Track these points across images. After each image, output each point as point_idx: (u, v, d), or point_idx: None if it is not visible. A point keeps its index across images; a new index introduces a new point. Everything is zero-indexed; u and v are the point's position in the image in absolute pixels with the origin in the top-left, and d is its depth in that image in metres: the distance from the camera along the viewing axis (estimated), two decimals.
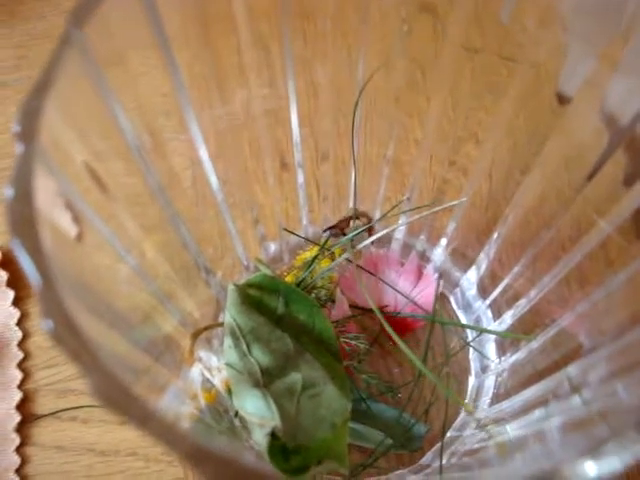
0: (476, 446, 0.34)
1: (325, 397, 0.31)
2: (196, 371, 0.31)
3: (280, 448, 0.28)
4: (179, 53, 0.28)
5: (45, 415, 0.44)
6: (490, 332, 0.39)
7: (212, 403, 0.33)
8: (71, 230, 0.23)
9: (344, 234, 0.43)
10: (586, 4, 0.29)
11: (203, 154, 0.34)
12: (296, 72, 0.36)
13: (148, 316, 0.29)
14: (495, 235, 0.40)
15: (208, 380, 0.32)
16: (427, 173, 0.43)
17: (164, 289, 0.31)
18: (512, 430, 0.31)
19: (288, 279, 0.43)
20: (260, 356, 0.32)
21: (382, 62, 0.38)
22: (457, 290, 0.45)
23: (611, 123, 0.30)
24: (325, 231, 0.43)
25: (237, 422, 0.34)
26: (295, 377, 0.32)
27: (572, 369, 0.29)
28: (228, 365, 0.32)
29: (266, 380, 0.31)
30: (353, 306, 0.42)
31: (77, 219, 0.23)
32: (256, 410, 0.29)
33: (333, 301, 0.41)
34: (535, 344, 0.35)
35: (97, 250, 0.26)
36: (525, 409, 0.32)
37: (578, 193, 0.32)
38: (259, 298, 0.36)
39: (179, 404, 0.29)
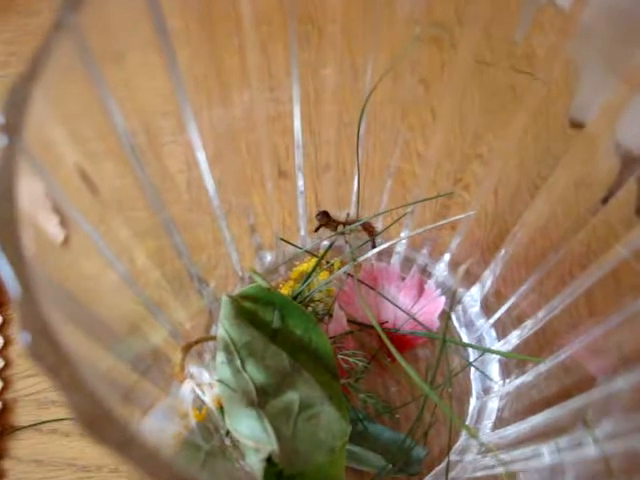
0: (479, 474, 0.33)
1: (324, 419, 0.30)
2: (187, 388, 0.29)
3: (276, 474, 0.26)
4: (180, 52, 0.27)
5: (25, 427, 0.42)
6: (495, 352, 0.38)
7: (202, 421, 0.31)
8: (57, 235, 0.22)
9: (335, 228, 0.41)
10: (604, 20, 0.28)
11: (200, 157, 0.33)
12: (301, 77, 0.35)
13: (136, 327, 0.27)
14: (502, 252, 0.38)
15: (199, 397, 0.30)
16: (431, 188, 0.42)
17: (154, 298, 0.29)
18: (519, 460, 0.30)
19: (284, 291, 0.41)
20: (255, 373, 0.31)
21: (388, 71, 0.36)
22: (459, 307, 0.43)
23: (623, 153, 0.29)
24: (318, 215, 0.41)
25: (228, 441, 0.32)
26: (292, 396, 0.30)
27: (585, 406, 0.27)
28: (220, 382, 0.30)
29: (261, 399, 0.29)
30: (351, 321, 0.40)
31: (64, 223, 0.22)
32: (251, 432, 0.27)
33: (331, 315, 0.39)
34: (543, 367, 0.33)
35: (84, 256, 0.24)
36: (533, 438, 0.30)
37: (591, 217, 0.31)
38: (254, 311, 0.34)
39: (167, 423, 0.27)
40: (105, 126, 0.24)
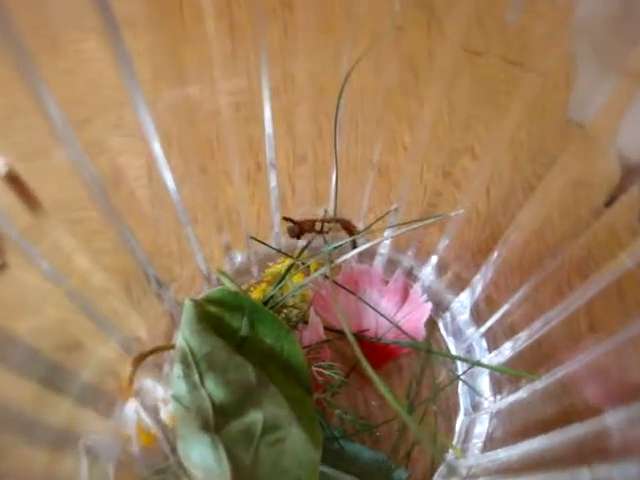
0: None
1: (290, 444, 0.26)
2: (131, 407, 0.25)
3: None
4: (138, 40, 0.25)
5: None
6: (486, 366, 0.34)
7: (151, 445, 0.27)
8: None
9: (299, 236, 0.37)
10: (603, 12, 0.25)
11: (157, 149, 0.29)
12: (271, 64, 0.32)
13: (78, 343, 0.24)
14: (494, 255, 0.35)
15: (143, 418, 0.26)
16: (417, 183, 0.39)
17: (100, 307, 0.26)
18: None
19: (255, 295, 0.38)
20: (214, 389, 0.27)
21: (368, 56, 0.34)
22: (447, 314, 0.39)
23: (623, 162, 0.27)
24: (285, 219, 0.38)
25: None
26: (255, 417, 0.26)
27: (585, 436, 0.24)
28: (175, 398, 0.27)
29: (219, 420, 0.26)
30: (328, 329, 0.37)
31: None
32: (202, 461, 0.23)
33: (306, 322, 0.36)
34: (539, 385, 0.30)
35: (18, 270, 0.21)
36: (525, 467, 0.27)
37: (592, 220, 0.28)
38: (219, 316, 0.31)
39: (106, 451, 0.23)
40: (40, 120, 0.22)
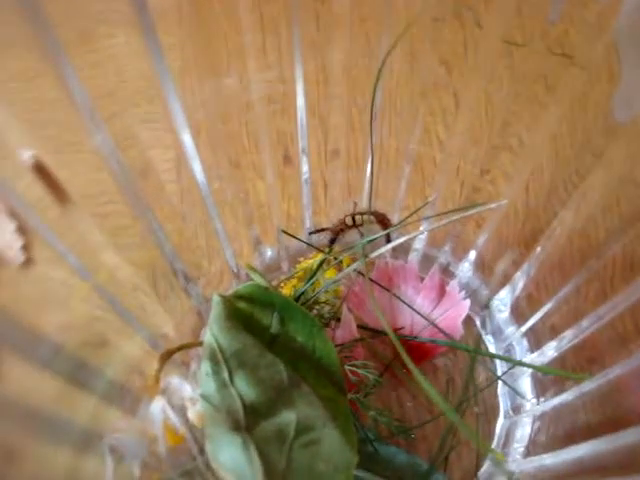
0: None
1: (325, 445, 0.25)
2: (158, 405, 0.24)
3: None
4: (171, 33, 0.25)
5: None
6: (531, 367, 0.32)
7: (179, 445, 0.26)
8: (13, 243, 0.20)
9: (334, 241, 0.36)
10: None
11: (187, 141, 0.29)
12: (305, 56, 0.32)
13: (105, 340, 0.23)
14: (537, 252, 0.33)
15: (170, 417, 0.25)
16: (454, 179, 0.37)
17: (127, 302, 0.25)
18: None
19: (285, 291, 0.36)
20: (244, 388, 0.26)
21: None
22: (485, 312, 0.38)
23: None
24: (312, 234, 0.37)
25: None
26: (287, 417, 0.25)
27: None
28: (203, 397, 0.25)
29: (250, 421, 0.24)
30: (362, 327, 0.36)
31: (22, 229, 0.20)
32: (233, 464, 0.22)
33: (338, 320, 0.35)
34: (587, 386, 0.28)
35: (45, 265, 0.21)
36: (578, 474, 0.25)
37: (638, 221, 0.26)
38: (249, 313, 0.30)
39: (132, 451, 0.22)
40: (70, 113, 0.22)
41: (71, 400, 0.22)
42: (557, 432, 0.30)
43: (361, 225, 0.35)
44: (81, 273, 0.24)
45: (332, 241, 0.37)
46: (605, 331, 0.29)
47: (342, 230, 0.36)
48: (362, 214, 0.35)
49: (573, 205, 0.31)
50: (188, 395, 0.28)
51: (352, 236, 0.36)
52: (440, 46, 0.33)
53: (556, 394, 0.31)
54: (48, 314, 0.22)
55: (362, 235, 0.35)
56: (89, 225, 0.25)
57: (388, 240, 0.35)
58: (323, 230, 0.36)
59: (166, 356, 0.27)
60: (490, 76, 0.32)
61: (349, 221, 0.35)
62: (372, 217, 0.35)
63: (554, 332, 0.33)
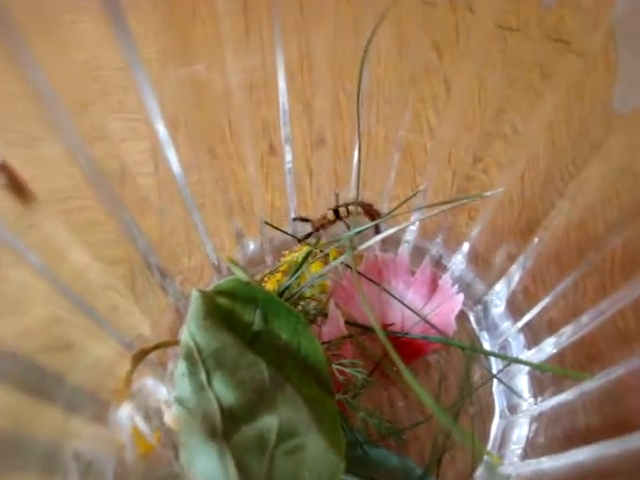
0: None
1: (310, 452, 0.23)
2: (125, 412, 0.22)
3: None
4: (138, 21, 0.22)
5: None
6: (529, 364, 0.31)
7: (151, 452, 0.24)
8: None
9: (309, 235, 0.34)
10: None
11: (162, 131, 0.27)
12: (286, 42, 0.30)
13: (70, 344, 0.21)
14: (534, 243, 0.31)
15: (139, 423, 0.23)
16: (445, 167, 0.36)
17: (98, 302, 0.23)
18: None
19: (269, 286, 0.35)
20: (223, 390, 0.24)
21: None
22: (479, 307, 0.36)
23: None
24: (295, 220, 0.35)
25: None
26: (269, 422, 0.23)
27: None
28: (178, 400, 0.24)
29: (228, 426, 0.23)
30: (350, 323, 0.34)
31: None
32: (208, 473, 0.20)
33: (325, 316, 0.33)
34: (588, 386, 0.26)
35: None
36: (580, 479, 0.23)
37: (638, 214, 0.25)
38: (230, 309, 0.28)
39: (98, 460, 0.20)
40: (35, 106, 0.21)
41: (33, 415, 0.20)
42: (556, 433, 0.29)
43: (346, 217, 0.33)
44: (44, 273, 0.22)
45: (308, 236, 0.35)
46: (606, 328, 0.28)
47: (323, 226, 0.34)
48: (347, 205, 0.33)
49: (570, 195, 0.30)
50: (164, 398, 0.26)
51: (339, 228, 0.34)
52: (431, 30, 0.31)
53: (554, 393, 0.29)
54: (5, 319, 0.21)
55: (348, 227, 0.33)
56: (55, 223, 0.23)
57: (377, 231, 0.33)
58: (307, 220, 0.35)
59: (139, 356, 0.25)
60: (483, 61, 0.30)
61: (331, 216, 0.33)
62: (359, 208, 0.33)
63: (552, 328, 0.31)
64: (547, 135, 0.31)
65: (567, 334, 0.29)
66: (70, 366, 0.22)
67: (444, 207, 0.28)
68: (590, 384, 0.26)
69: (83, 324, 0.24)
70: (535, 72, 0.29)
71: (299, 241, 0.35)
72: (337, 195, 0.34)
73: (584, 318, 0.28)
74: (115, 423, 0.22)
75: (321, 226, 0.34)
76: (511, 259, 0.33)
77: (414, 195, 0.32)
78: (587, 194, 0.29)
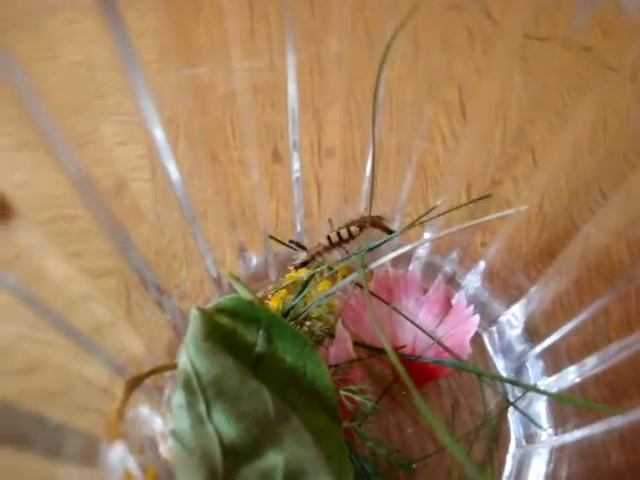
0: None
1: None
2: (116, 454, 0.20)
3: None
4: (137, 19, 0.21)
5: None
6: (545, 393, 0.29)
7: None
8: None
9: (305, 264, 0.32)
10: None
11: (159, 136, 0.25)
12: (297, 43, 0.29)
13: (39, 363, 0.19)
14: (556, 264, 0.29)
15: (133, 468, 0.21)
16: (461, 185, 0.34)
17: (81, 321, 0.21)
18: None
19: (273, 304, 0.33)
20: (223, 424, 0.22)
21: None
22: (493, 328, 0.34)
23: None
24: (291, 242, 0.33)
25: None
26: (274, 460, 0.21)
27: None
28: (175, 435, 0.22)
29: (229, 466, 0.21)
30: (358, 344, 0.32)
31: None
32: None
33: (333, 337, 0.31)
34: (618, 421, 0.24)
35: None
36: None
37: None
38: (232, 329, 0.26)
39: None
40: (23, 110, 0.19)
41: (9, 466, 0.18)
42: (581, 470, 0.27)
43: (347, 241, 0.31)
44: (14, 289, 0.20)
45: (303, 264, 0.32)
46: (634, 362, 0.26)
47: (319, 254, 0.32)
48: (348, 227, 0.31)
49: (595, 220, 0.28)
50: (159, 429, 0.24)
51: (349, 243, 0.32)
52: (450, 38, 0.30)
53: (578, 426, 0.27)
54: None
55: (347, 252, 0.31)
56: (35, 234, 0.21)
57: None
58: (302, 247, 0.32)
59: (133, 384, 0.23)
60: (506, 74, 0.29)
61: (335, 238, 0.31)
62: (370, 225, 0.31)
63: (574, 356, 0.29)
64: (572, 155, 0.29)
65: (591, 364, 0.27)
66: (50, 398, 0.19)
67: (461, 226, 0.26)
68: (620, 420, 0.24)
69: (63, 345, 0.22)
70: (564, 85, 0.27)
71: (296, 268, 0.32)
72: (330, 220, 0.32)
73: (611, 349, 0.26)
74: (106, 466, 0.20)
75: (317, 254, 0.31)
76: (530, 280, 0.31)
77: (429, 211, 0.30)
78: (616, 218, 0.27)
